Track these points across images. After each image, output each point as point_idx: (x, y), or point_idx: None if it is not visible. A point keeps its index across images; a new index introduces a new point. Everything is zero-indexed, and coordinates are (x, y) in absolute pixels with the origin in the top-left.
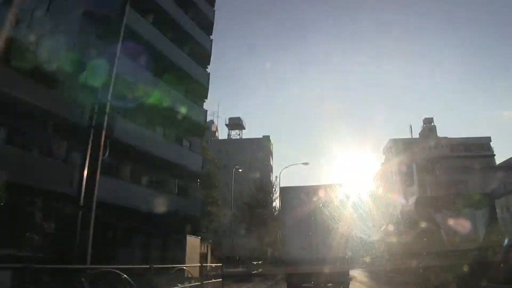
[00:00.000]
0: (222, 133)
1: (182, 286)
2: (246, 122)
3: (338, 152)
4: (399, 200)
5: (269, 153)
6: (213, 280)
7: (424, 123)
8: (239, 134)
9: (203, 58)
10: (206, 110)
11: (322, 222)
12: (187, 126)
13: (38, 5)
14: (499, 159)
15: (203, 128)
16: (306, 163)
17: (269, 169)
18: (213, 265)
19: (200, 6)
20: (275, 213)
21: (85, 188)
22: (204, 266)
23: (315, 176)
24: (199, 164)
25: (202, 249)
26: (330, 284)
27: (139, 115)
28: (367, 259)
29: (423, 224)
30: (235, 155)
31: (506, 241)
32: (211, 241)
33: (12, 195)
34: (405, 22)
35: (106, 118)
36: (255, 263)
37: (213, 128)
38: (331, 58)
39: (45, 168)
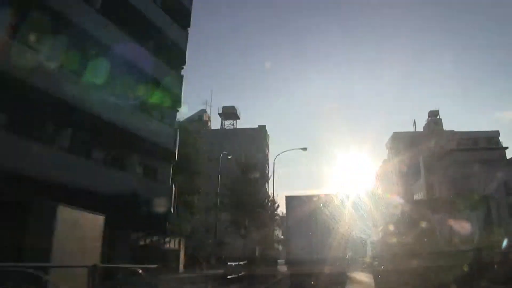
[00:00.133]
0: (216, 124)
1: None
2: (241, 112)
3: (338, 146)
4: (398, 200)
5: (265, 145)
6: None
7: (429, 116)
8: (233, 124)
9: (181, 15)
10: (183, 76)
11: (322, 222)
12: (158, 94)
13: None
14: None
15: (177, 98)
16: (304, 148)
17: (265, 162)
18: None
19: None
20: (268, 203)
21: None
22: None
23: (315, 173)
24: (172, 141)
25: (173, 246)
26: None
27: (89, 72)
28: (367, 260)
29: (423, 224)
30: (229, 146)
31: (505, 242)
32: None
33: None
34: (405, 22)
35: None
36: (233, 264)
37: (205, 118)
38: (332, 50)
39: None
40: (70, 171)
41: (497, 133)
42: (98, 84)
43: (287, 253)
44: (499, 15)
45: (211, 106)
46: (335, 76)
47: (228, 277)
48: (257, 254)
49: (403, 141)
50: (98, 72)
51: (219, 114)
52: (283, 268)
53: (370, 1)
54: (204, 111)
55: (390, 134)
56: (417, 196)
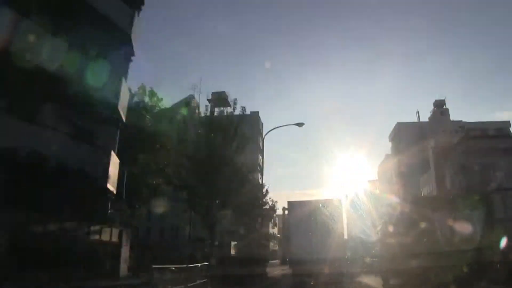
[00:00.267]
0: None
1: None
2: (233, 98)
3: (338, 146)
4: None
5: (258, 132)
6: None
7: (434, 106)
8: (223, 111)
9: None
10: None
11: (322, 223)
12: (93, 26)
13: None
14: None
15: (125, 34)
16: (300, 124)
17: (258, 150)
18: None
19: None
20: (263, 197)
21: None
22: None
23: (314, 173)
24: (113, 94)
25: (110, 237)
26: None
27: None
28: (367, 260)
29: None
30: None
31: (503, 240)
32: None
33: None
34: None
35: None
36: (173, 268)
37: (194, 104)
38: (331, 33)
39: None
40: None
41: (507, 123)
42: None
43: (289, 253)
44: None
45: (200, 92)
46: (334, 75)
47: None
48: (233, 252)
49: (407, 132)
50: None
51: (208, 100)
52: (276, 270)
53: None
54: (192, 96)
55: (389, 136)
56: (425, 190)
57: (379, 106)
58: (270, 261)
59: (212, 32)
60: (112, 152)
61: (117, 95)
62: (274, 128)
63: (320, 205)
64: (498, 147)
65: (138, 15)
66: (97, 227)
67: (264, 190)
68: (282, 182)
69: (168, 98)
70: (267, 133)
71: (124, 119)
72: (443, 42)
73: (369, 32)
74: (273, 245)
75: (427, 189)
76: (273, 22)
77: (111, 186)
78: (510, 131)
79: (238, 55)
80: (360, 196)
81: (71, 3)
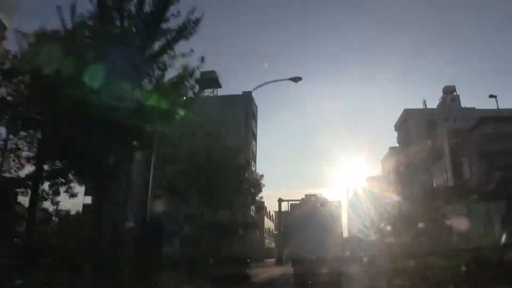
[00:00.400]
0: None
1: None
2: (224, 81)
3: (338, 146)
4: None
5: (251, 114)
6: None
7: (444, 93)
8: (213, 92)
9: None
10: None
11: (321, 223)
12: None
13: None
14: None
15: None
16: (296, 78)
17: (251, 134)
18: None
19: None
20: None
21: None
22: None
23: (314, 173)
24: None
25: None
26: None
27: None
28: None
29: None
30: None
31: (502, 238)
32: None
33: None
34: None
35: None
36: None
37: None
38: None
39: None
40: None
41: None
42: None
43: (291, 253)
44: None
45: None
46: (333, 74)
47: None
48: (203, 247)
49: (415, 120)
50: None
51: (196, 80)
52: (269, 271)
53: None
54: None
55: (395, 125)
56: (437, 180)
57: (379, 105)
58: (265, 260)
59: (212, 32)
60: None
61: None
62: (265, 83)
63: (319, 204)
64: None
65: None
66: None
67: (258, 175)
68: (282, 182)
69: None
70: (255, 88)
71: None
72: (446, 35)
73: (371, 26)
74: (269, 242)
75: (441, 179)
76: (273, 22)
77: None
78: None
79: (238, 55)
80: (359, 195)
81: None
